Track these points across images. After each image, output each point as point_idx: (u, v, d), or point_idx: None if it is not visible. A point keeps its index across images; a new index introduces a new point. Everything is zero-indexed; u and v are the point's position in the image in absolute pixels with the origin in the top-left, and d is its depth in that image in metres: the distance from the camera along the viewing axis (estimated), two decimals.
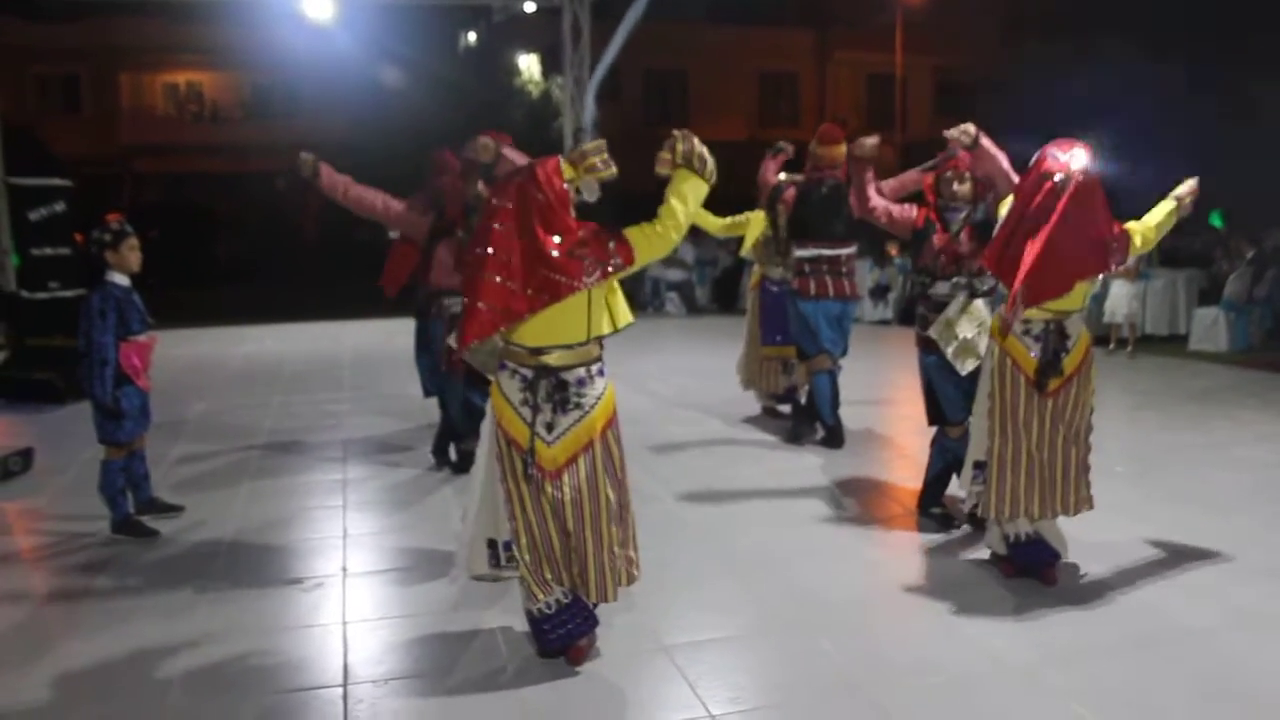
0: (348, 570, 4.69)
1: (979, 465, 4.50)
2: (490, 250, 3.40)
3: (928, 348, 5.06)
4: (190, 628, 4.03)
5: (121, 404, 5.00)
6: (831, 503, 5.63)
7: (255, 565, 4.75)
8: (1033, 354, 4.26)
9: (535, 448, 3.47)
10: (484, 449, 3.67)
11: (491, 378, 3.70)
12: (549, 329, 3.46)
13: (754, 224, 7.45)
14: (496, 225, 3.41)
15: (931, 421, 5.19)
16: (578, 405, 3.50)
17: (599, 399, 3.55)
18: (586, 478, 3.54)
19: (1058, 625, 3.95)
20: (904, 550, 4.89)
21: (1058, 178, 4.05)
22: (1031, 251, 4.04)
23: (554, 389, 3.48)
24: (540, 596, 3.59)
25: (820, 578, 4.52)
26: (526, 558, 3.58)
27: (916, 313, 5.16)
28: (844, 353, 6.86)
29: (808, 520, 5.34)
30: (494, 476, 3.63)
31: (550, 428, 3.49)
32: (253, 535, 5.19)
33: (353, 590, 4.45)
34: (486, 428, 3.66)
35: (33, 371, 8.71)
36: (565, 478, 3.51)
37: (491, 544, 3.74)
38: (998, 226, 4.33)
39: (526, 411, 3.49)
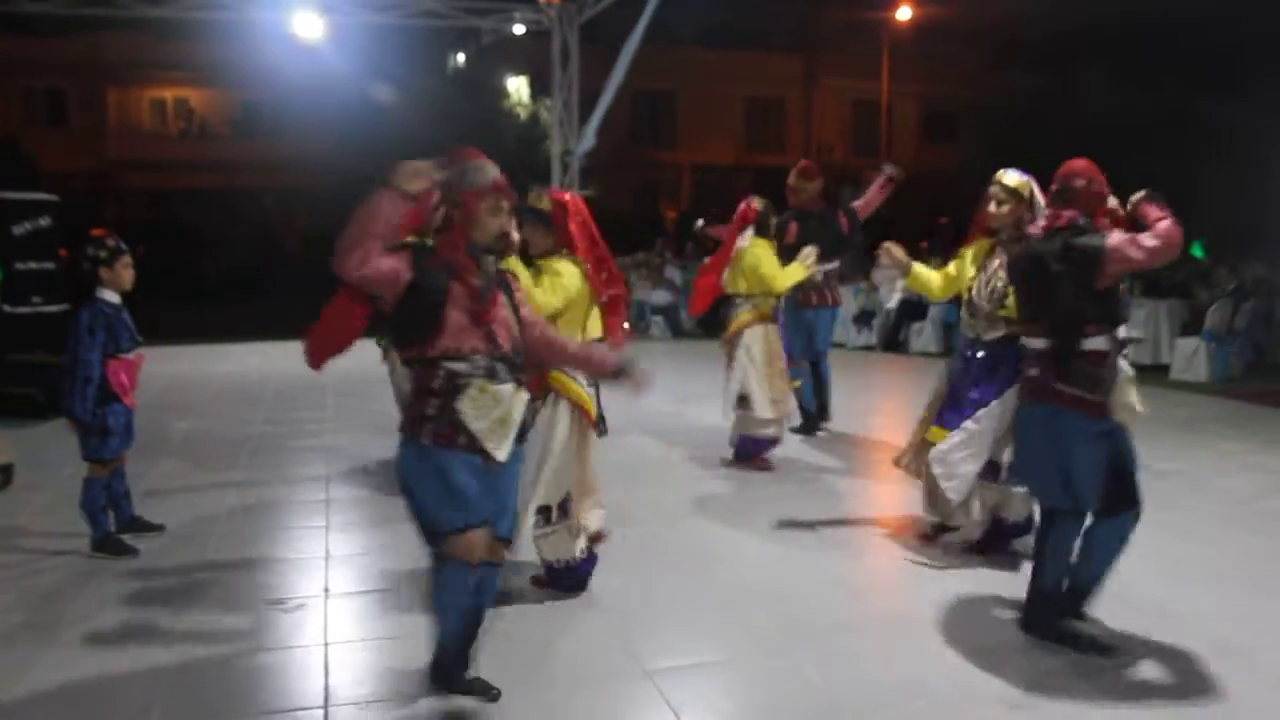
0: (330, 591, 4.67)
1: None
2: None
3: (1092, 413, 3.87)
4: (170, 648, 4.00)
5: (108, 421, 4.97)
6: (816, 528, 5.63)
7: (236, 585, 4.72)
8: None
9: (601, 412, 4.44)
10: (562, 427, 4.32)
11: None
12: (597, 323, 4.48)
13: None
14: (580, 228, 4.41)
15: (1116, 507, 3.95)
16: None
17: None
18: None
19: (1041, 652, 3.96)
20: (888, 576, 4.90)
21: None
22: None
23: None
24: (580, 544, 4.44)
25: (805, 603, 4.52)
26: (578, 510, 4.47)
27: (1031, 375, 4.01)
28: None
29: (792, 545, 5.35)
30: (569, 447, 4.35)
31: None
32: (234, 555, 5.16)
33: (335, 611, 4.42)
34: (563, 410, 4.34)
35: (13, 387, 8.65)
36: None
37: (543, 510, 4.35)
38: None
39: (591, 390, 4.40)
